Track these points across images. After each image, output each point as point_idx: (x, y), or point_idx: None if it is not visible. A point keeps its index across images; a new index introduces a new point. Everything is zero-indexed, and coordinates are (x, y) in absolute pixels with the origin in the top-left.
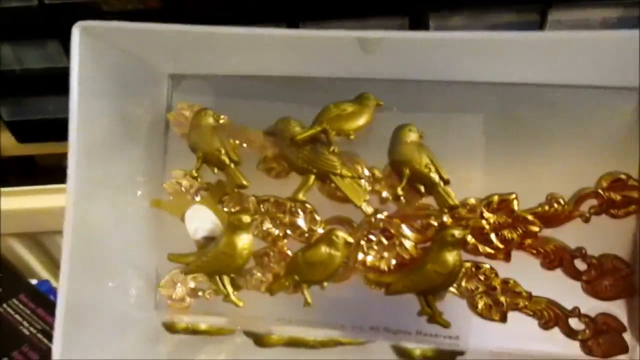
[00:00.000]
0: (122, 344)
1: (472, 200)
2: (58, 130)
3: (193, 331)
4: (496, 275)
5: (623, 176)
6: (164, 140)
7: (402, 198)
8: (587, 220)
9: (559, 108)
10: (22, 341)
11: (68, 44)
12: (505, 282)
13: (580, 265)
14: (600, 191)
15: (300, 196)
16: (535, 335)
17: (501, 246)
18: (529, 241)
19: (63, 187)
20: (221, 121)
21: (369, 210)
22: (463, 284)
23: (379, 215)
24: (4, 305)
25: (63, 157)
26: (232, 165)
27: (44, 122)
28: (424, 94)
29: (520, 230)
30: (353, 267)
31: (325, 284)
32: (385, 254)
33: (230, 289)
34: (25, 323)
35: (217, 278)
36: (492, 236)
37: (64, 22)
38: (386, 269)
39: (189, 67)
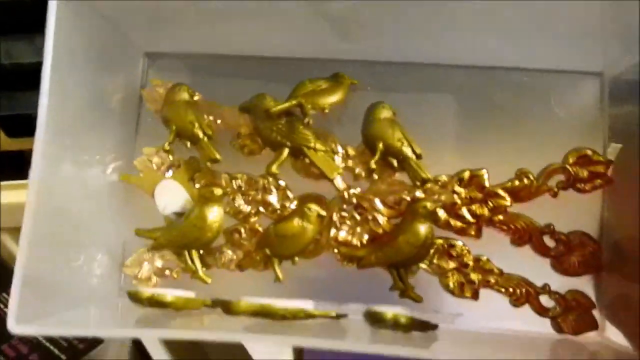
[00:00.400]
0: (83, 320)
1: (444, 177)
2: None
3: (158, 303)
4: (468, 252)
5: (589, 152)
6: (136, 118)
7: (374, 173)
8: (555, 194)
9: (527, 90)
10: (12, 335)
11: None
12: (477, 259)
13: (549, 241)
14: (567, 166)
15: (274, 169)
16: (507, 313)
17: (472, 221)
18: (499, 217)
19: None
20: (195, 98)
21: (342, 185)
22: (435, 261)
23: (352, 190)
24: None
25: None
26: (205, 139)
27: (32, 116)
28: (397, 75)
29: (491, 205)
30: (325, 243)
31: (297, 259)
32: (358, 229)
33: (199, 264)
34: None
35: (186, 253)
36: (464, 210)
37: None
38: (359, 244)
39: (165, 45)
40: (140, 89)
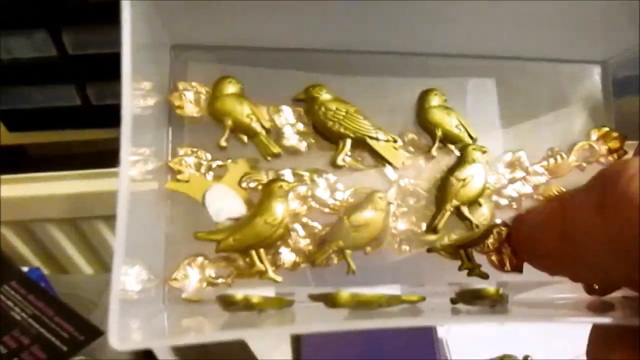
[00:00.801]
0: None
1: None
2: (47, 119)
3: (250, 305)
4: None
5: (607, 128)
6: (166, 113)
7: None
8: (583, 169)
9: (542, 79)
10: (14, 326)
11: (55, 33)
12: None
13: None
14: (592, 143)
15: (340, 161)
16: (545, 281)
17: (517, 197)
18: (538, 191)
19: (53, 175)
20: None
21: (395, 176)
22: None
23: (408, 180)
24: None
25: (52, 145)
26: (264, 133)
27: (32, 111)
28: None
29: (533, 183)
30: (386, 233)
31: (369, 248)
32: (413, 219)
33: (268, 264)
34: (16, 309)
35: (253, 253)
36: (509, 189)
37: (51, 12)
38: (420, 231)
39: (192, 37)
40: (168, 95)
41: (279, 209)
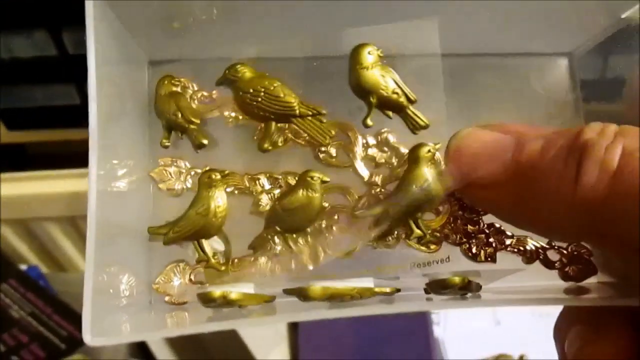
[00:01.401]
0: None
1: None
2: (46, 117)
3: (229, 301)
4: (482, 220)
5: None
6: (147, 124)
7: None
8: None
9: (509, 73)
10: (12, 324)
11: (56, 33)
12: (491, 225)
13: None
14: None
15: (266, 146)
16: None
17: None
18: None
19: (52, 173)
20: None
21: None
22: (454, 232)
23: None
24: None
25: (52, 144)
26: (191, 127)
27: (32, 109)
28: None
29: None
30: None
31: (309, 229)
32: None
33: (210, 253)
34: (15, 307)
35: (196, 243)
36: None
37: (51, 11)
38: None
39: (168, 52)
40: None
41: (211, 200)
